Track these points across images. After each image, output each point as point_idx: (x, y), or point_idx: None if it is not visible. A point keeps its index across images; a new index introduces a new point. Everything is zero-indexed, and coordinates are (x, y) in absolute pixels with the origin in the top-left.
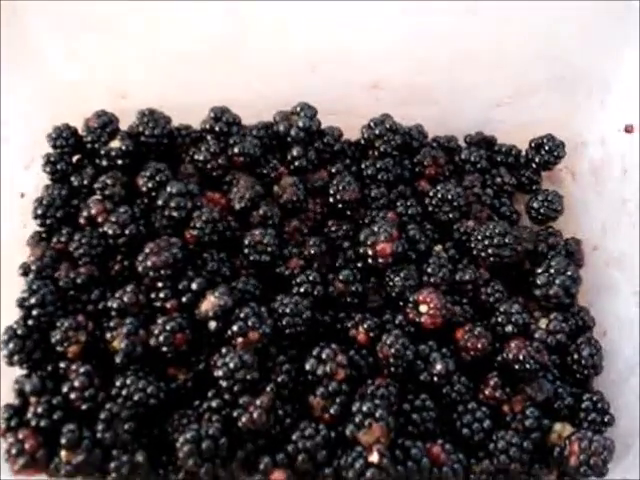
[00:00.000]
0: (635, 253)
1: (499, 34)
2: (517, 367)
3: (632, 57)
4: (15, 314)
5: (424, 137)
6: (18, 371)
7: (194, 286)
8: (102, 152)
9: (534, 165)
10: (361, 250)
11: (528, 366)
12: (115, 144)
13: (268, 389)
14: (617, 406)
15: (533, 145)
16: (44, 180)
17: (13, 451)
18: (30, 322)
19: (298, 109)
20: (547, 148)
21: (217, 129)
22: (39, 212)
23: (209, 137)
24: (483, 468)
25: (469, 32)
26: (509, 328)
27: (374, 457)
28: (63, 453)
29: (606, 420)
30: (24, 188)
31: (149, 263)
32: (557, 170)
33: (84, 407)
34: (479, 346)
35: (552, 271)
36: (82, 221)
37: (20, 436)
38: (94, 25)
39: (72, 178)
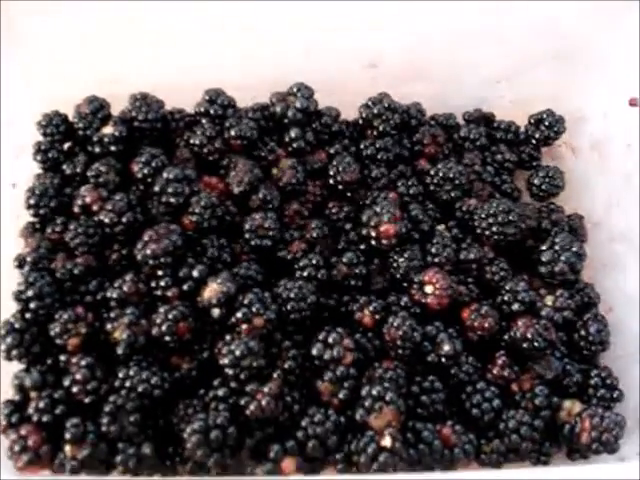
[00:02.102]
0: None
1: (497, 9)
2: (525, 345)
3: (633, 29)
4: (11, 308)
5: (422, 115)
6: (16, 366)
7: (195, 273)
8: (95, 139)
9: (534, 141)
10: (364, 232)
11: (536, 344)
12: (108, 130)
13: (275, 376)
14: (625, 382)
15: (532, 121)
16: (35, 169)
17: (16, 448)
18: (28, 315)
19: (295, 90)
20: (547, 124)
21: (212, 112)
22: (32, 202)
23: (204, 120)
24: (494, 448)
25: (467, 8)
26: (515, 306)
27: (386, 441)
28: (68, 448)
29: (615, 396)
30: (15, 178)
31: (148, 251)
32: (556, 146)
33: (87, 400)
34: (486, 325)
35: (557, 248)
36: (76, 210)
37: (23, 432)
38: (82, 9)
39: (64, 166)
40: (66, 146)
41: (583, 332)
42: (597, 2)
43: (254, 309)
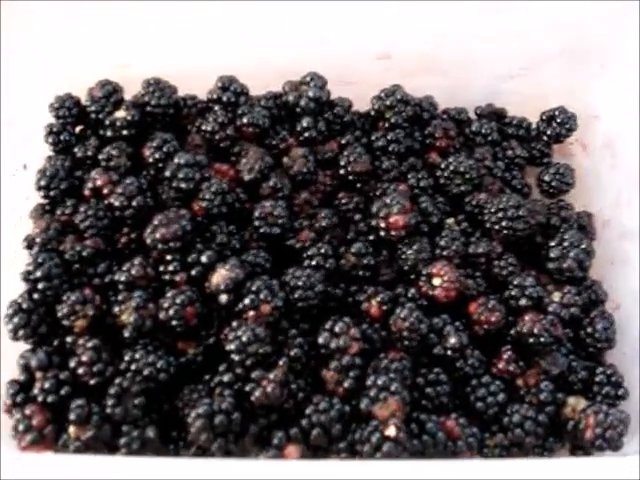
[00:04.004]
0: None
1: (512, 4)
2: (531, 341)
3: None
4: (17, 289)
5: (435, 109)
6: (20, 348)
7: (204, 259)
8: (107, 122)
9: (545, 138)
10: (373, 222)
11: (542, 340)
12: (120, 114)
13: (281, 363)
14: (631, 379)
15: (544, 117)
16: (46, 152)
17: (20, 427)
18: (36, 296)
19: (308, 79)
20: (559, 120)
21: (225, 99)
22: (42, 183)
23: (216, 107)
24: (497, 442)
25: (482, 2)
26: (523, 301)
27: (391, 431)
28: (72, 429)
29: (620, 394)
30: (26, 160)
31: (158, 235)
32: (567, 143)
33: (92, 382)
34: (493, 319)
35: (566, 244)
36: (87, 193)
37: (27, 412)
38: None
39: (75, 149)
40: (78, 129)
41: (590, 329)
42: (616, 1)
43: (262, 296)
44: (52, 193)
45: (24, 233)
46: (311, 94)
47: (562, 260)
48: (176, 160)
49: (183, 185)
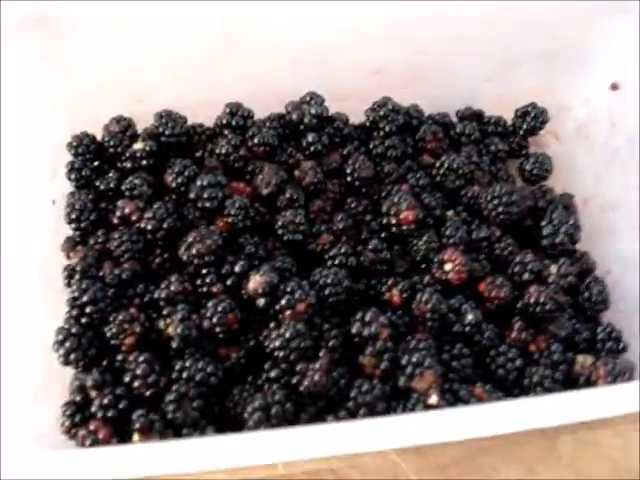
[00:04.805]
0: (630, 196)
1: (485, 13)
2: (538, 309)
3: (615, 21)
4: (53, 322)
5: (422, 115)
6: (65, 372)
7: (237, 268)
8: (127, 155)
9: (521, 132)
10: (385, 220)
11: (548, 307)
12: (139, 146)
13: (322, 353)
14: (629, 334)
15: (519, 114)
16: (68, 188)
17: (88, 442)
18: (84, 320)
19: (308, 98)
20: (532, 115)
21: (234, 123)
22: (73, 216)
23: (227, 131)
24: None
25: (459, 16)
26: (526, 275)
27: (433, 399)
28: (136, 437)
29: (621, 347)
30: (53, 196)
31: (194, 251)
32: (541, 135)
33: (148, 393)
34: (502, 295)
35: (555, 222)
36: (116, 221)
37: (92, 427)
38: (108, 30)
39: (97, 183)
40: (96, 164)
41: (586, 294)
42: (579, 2)
43: (297, 295)
44: (83, 225)
45: (55, 266)
46: (313, 111)
47: (555, 236)
48: (199, 182)
49: (208, 204)
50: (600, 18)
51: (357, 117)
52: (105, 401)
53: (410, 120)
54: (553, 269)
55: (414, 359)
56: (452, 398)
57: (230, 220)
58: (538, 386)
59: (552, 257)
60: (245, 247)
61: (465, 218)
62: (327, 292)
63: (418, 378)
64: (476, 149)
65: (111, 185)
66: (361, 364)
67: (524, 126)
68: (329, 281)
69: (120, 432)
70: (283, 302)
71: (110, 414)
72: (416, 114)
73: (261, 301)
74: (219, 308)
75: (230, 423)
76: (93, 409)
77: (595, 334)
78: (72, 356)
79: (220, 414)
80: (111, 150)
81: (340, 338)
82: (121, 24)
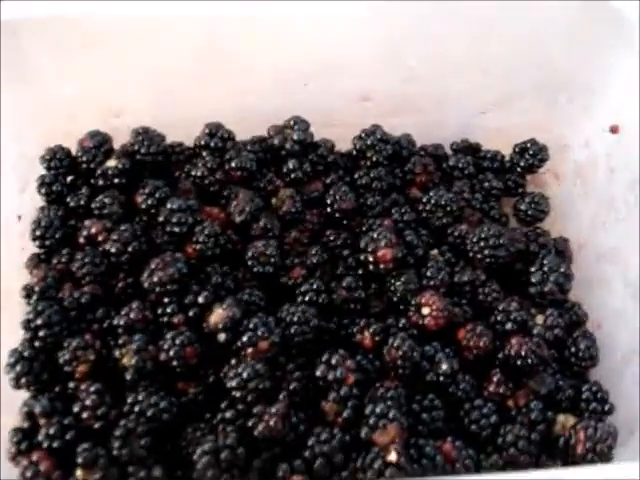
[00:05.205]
0: (626, 247)
1: (482, 42)
2: (519, 363)
3: (616, 60)
4: (15, 339)
5: (413, 146)
6: (19, 395)
7: (200, 299)
8: (99, 172)
9: (519, 169)
10: (362, 257)
11: (530, 361)
12: (111, 163)
13: (282, 397)
14: (616, 394)
15: (517, 150)
16: (39, 202)
17: (28, 474)
18: (37, 343)
19: (292, 122)
20: (531, 152)
21: (212, 145)
22: (38, 234)
23: (205, 153)
24: (492, 462)
25: (452, 42)
26: (509, 325)
27: (392, 456)
28: (79, 472)
29: (606, 409)
30: (20, 211)
31: (155, 279)
32: (540, 173)
33: (97, 426)
34: (481, 344)
35: (545, 269)
36: (82, 240)
37: (34, 458)
38: (86, 44)
39: (68, 199)
40: (69, 179)
41: (573, 349)
42: (581, 35)
43: (259, 333)
44: (47, 242)
45: (18, 284)
46: (296, 137)
47: (543, 284)
48: (169, 205)
49: (177, 229)
50: (602, 53)
51: (345, 144)
52: (51, 431)
53: (400, 150)
54: (539, 319)
55: (378, 409)
56: (417, 454)
57: (199, 247)
58: (512, 447)
59: (540, 306)
60: (212, 277)
61: (449, 258)
62: (293, 330)
63: (380, 431)
64: (469, 184)
65: (81, 202)
66: (323, 410)
67: (522, 163)
68: (296, 319)
69: (65, 464)
70: (245, 339)
71: (55, 445)
72: (407, 144)
73: (222, 336)
74: (177, 341)
75: (181, 463)
76: (40, 437)
77: (580, 393)
78: (23, 380)
79: (172, 451)
80: (84, 166)
81: (303, 381)
82: (100, 36)
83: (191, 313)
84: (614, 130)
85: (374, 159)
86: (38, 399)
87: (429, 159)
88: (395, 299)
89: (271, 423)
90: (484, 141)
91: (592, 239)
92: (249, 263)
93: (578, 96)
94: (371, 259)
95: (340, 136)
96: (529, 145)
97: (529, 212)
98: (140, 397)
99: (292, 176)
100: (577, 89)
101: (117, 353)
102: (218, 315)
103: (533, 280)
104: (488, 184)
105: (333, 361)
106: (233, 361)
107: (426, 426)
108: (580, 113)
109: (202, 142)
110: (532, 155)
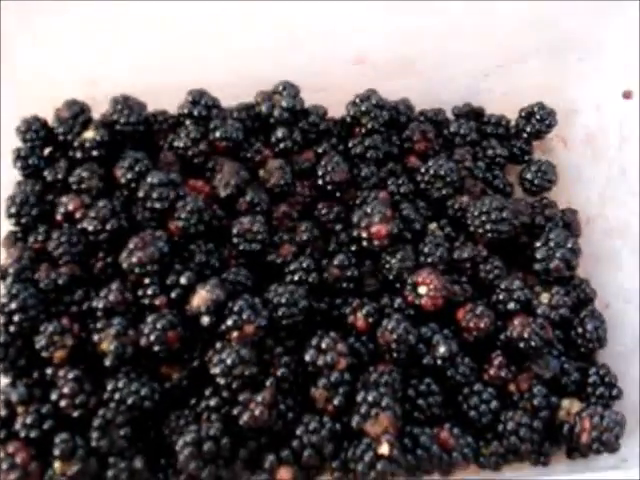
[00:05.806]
0: (637, 221)
1: (485, 2)
2: (522, 345)
3: (628, 21)
4: None
5: (411, 111)
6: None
7: (183, 280)
8: (76, 144)
9: (525, 135)
10: (355, 233)
11: (533, 343)
12: (89, 134)
13: (268, 384)
14: (624, 379)
15: (523, 114)
16: (15, 176)
17: (4, 466)
18: (12, 328)
19: (280, 88)
20: (538, 117)
21: (196, 113)
22: (13, 210)
23: (188, 122)
24: (493, 450)
25: (454, 1)
26: (511, 305)
27: (384, 448)
28: (57, 464)
29: (614, 394)
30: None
31: (134, 259)
32: (548, 139)
33: (75, 414)
34: (481, 325)
35: (551, 244)
36: (59, 218)
37: (10, 449)
38: (61, 9)
39: (45, 172)
40: (46, 152)
41: (580, 330)
42: None
43: (244, 316)
44: (23, 220)
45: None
46: (284, 104)
47: (549, 261)
48: (149, 180)
49: (157, 205)
50: (615, 11)
51: (337, 111)
52: (29, 420)
53: (397, 116)
54: (544, 298)
55: (370, 397)
56: (411, 444)
57: (181, 224)
58: (513, 435)
59: (545, 284)
60: (196, 255)
61: (449, 233)
62: (281, 313)
63: (372, 420)
64: (471, 152)
65: (59, 176)
66: (312, 397)
67: (528, 128)
68: (284, 300)
69: (43, 455)
70: (229, 322)
71: (33, 434)
72: (404, 110)
73: (205, 320)
74: (158, 325)
75: (164, 452)
76: (17, 427)
77: (586, 376)
78: None
79: (154, 439)
80: (61, 138)
81: (292, 366)
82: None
83: (173, 294)
84: (627, 95)
85: (369, 126)
86: (15, 386)
87: (429, 125)
88: (390, 277)
89: (257, 412)
90: (488, 105)
91: (601, 211)
92: (235, 240)
93: (588, 57)
94: (364, 235)
95: (333, 102)
96: (536, 109)
97: (535, 181)
98: (120, 384)
99: (281, 146)
100: (587, 50)
101: (96, 338)
102: (201, 297)
103: (538, 256)
104: (492, 151)
105: (323, 345)
106: (217, 345)
107: (422, 413)
108: (591, 74)
109: (185, 110)
110: (539, 120)
